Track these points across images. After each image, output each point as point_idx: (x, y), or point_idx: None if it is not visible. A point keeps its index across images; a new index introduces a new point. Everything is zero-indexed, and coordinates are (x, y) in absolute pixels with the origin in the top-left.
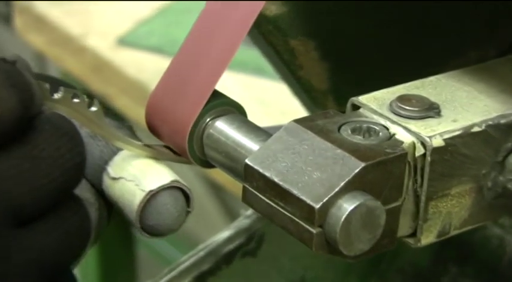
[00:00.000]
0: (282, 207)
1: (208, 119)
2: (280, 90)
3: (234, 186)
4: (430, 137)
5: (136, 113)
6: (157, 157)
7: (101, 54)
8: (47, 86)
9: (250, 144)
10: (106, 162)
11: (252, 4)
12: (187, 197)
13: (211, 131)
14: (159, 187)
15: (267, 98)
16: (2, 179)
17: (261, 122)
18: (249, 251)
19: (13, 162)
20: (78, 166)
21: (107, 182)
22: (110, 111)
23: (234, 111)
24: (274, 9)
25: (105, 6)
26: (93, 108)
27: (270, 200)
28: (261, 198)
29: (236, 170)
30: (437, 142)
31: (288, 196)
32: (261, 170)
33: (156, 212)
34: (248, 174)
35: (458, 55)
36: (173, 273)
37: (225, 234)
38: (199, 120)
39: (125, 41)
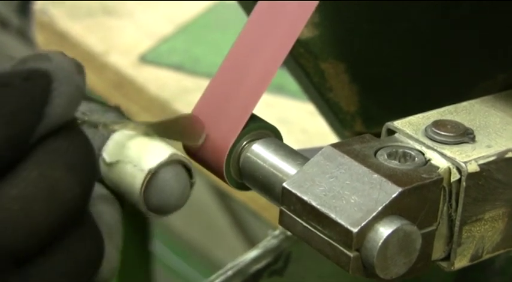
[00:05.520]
0: (320, 231)
1: (244, 142)
2: (301, 109)
3: (249, 201)
4: (465, 163)
5: None
6: (151, 134)
7: (122, 71)
8: None
9: (288, 168)
10: (99, 148)
11: (296, 21)
12: (188, 169)
13: (248, 154)
14: (159, 164)
15: (288, 117)
16: None
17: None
18: (276, 270)
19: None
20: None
21: (104, 169)
22: (93, 98)
23: (270, 134)
24: (305, 32)
25: (127, 23)
26: None
27: (307, 223)
28: (298, 221)
29: (273, 193)
30: (473, 168)
31: (325, 220)
32: (298, 194)
33: (160, 190)
34: (285, 198)
35: (486, 78)
36: None
37: (252, 253)
38: (236, 143)
39: (147, 59)
